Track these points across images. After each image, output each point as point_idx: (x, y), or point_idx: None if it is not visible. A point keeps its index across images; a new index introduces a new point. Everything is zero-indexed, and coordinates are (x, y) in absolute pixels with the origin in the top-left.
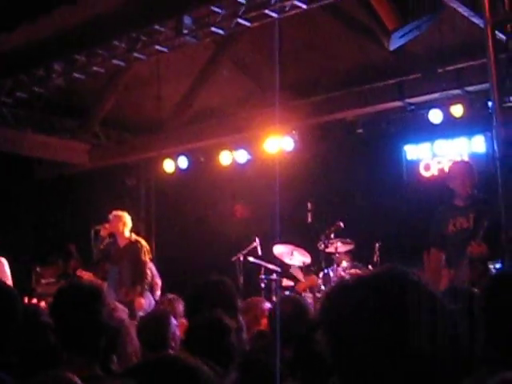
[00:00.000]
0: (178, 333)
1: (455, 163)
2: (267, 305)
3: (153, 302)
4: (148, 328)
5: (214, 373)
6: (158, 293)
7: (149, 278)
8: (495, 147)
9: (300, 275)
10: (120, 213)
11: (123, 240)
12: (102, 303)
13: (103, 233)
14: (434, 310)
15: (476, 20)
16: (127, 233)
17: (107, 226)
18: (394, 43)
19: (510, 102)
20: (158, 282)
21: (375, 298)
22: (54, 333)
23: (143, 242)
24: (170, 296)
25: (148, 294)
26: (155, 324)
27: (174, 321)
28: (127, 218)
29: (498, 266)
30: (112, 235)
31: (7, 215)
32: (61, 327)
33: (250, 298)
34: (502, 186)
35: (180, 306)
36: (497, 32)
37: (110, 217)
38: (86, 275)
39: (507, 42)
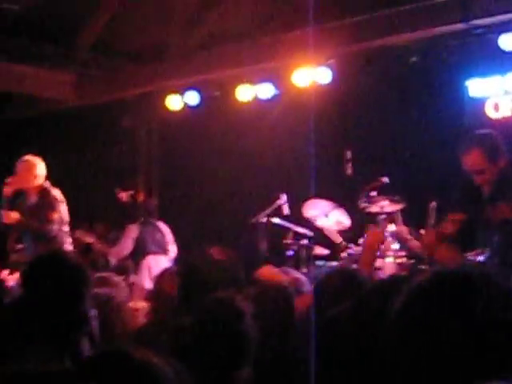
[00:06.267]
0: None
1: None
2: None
3: None
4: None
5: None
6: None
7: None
8: None
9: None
10: (29, 159)
11: (35, 194)
12: (87, 286)
13: (7, 190)
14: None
15: None
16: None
17: (11, 180)
18: None
19: None
20: (172, 248)
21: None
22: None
23: (54, 192)
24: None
25: None
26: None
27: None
28: (39, 166)
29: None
30: (20, 191)
31: None
32: (30, 310)
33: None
34: None
35: None
36: None
37: (17, 166)
38: None
39: None
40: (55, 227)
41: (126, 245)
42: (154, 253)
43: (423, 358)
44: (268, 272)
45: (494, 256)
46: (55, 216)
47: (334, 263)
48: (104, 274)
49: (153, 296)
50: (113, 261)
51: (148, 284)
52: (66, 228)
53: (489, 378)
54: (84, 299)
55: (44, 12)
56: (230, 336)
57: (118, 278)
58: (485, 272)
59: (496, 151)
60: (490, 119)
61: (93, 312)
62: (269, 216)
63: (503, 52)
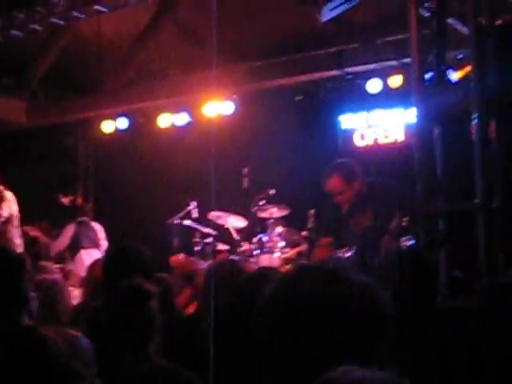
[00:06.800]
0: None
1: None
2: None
3: None
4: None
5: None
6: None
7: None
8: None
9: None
10: None
11: None
12: (24, 270)
13: None
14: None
15: None
16: None
17: None
18: (325, 15)
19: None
20: (104, 244)
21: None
22: None
23: (6, 193)
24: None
25: None
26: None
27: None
28: None
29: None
30: None
31: None
32: None
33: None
34: (418, 162)
35: None
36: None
37: None
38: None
39: (431, 17)
40: (5, 215)
41: (64, 240)
42: (88, 247)
43: (288, 339)
44: (178, 259)
45: (356, 253)
46: (4, 207)
47: (233, 257)
48: (46, 263)
49: (85, 282)
50: (53, 252)
51: (82, 272)
52: (16, 223)
53: (348, 360)
54: (22, 281)
55: (1, 50)
56: (141, 313)
57: (55, 267)
58: (338, 267)
59: (352, 175)
60: (358, 147)
61: (32, 294)
62: (181, 218)
63: (368, 94)
